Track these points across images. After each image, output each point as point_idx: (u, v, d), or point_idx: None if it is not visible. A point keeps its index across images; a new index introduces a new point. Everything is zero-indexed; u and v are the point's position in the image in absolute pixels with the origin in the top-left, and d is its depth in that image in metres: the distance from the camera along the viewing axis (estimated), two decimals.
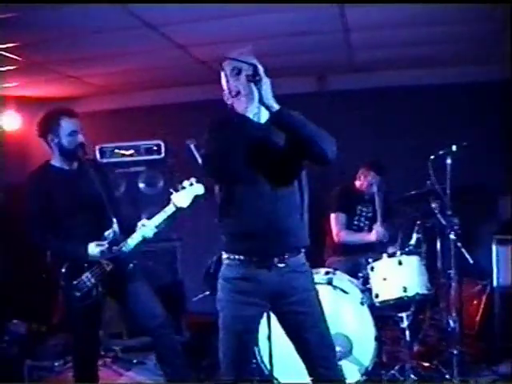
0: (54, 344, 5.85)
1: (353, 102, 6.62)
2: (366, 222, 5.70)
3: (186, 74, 6.26)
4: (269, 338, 4.11)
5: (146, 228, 4.08)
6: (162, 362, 4.38)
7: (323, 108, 6.36)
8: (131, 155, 6.45)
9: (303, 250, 3.20)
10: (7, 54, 4.98)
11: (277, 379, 4.44)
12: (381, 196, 5.39)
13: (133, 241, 4.08)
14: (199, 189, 4.05)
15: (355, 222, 5.73)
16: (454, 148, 4.44)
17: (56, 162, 4.19)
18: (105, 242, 4.02)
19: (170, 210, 4.12)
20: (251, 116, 2.99)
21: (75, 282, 4.01)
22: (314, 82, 6.78)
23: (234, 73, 3.03)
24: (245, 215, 3.04)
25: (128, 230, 4.14)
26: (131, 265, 4.19)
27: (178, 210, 4.09)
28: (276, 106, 2.90)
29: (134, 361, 5.62)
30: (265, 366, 4.51)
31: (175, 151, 6.40)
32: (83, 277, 4.03)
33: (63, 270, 4.02)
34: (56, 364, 5.57)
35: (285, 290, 3.10)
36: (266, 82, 2.88)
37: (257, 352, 4.53)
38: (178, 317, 6.36)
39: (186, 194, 4.05)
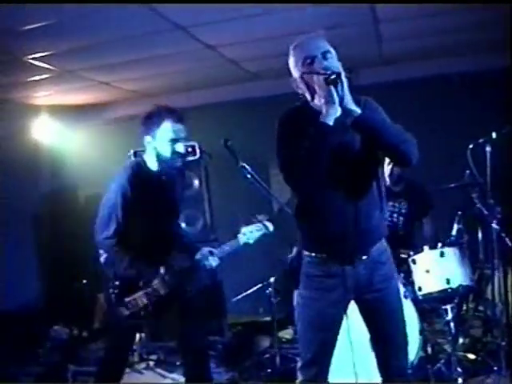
0: (96, 349, 5.89)
1: (384, 95, 6.54)
2: (400, 218, 5.63)
3: (218, 74, 6.26)
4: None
5: (210, 260, 4.09)
6: None
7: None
8: None
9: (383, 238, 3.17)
10: (39, 64, 5.03)
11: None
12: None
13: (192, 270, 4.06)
14: (269, 227, 4.14)
15: (388, 219, 5.67)
16: (493, 135, 4.37)
17: (151, 163, 3.97)
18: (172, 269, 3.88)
19: (236, 244, 4.18)
20: (330, 119, 2.80)
21: (127, 300, 3.80)
22: (345, 76, 6.72)
23: (307, 62, 2.89)
24: (326, 217, 2.99)
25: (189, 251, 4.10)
26: (189, 290, 4.04)
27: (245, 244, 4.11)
28: (358, 111, 2.82)
29: (177, 363, 5.61)
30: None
31: (210, 152, 6.41)
32: (136, 296, 3.80)
33: (117, 283, 3.81)
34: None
35: (369, 282, 3.06)
36: (345, 85, 2.78)
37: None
38: (218, 318, 6.38)
39: (252, 231, 4.12)
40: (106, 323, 4.22)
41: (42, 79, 5.59)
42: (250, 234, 4.11)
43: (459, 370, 4.46)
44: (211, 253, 4.06)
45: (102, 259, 3.90)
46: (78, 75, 5.67)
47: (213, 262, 4.06)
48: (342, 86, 2.77)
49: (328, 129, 2.79)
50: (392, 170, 5.51)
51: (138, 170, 3.91)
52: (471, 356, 4.80)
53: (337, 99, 2.77)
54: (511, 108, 5.65)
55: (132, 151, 6.53)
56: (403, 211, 5.59)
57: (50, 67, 5.20)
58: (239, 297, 5.36)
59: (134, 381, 5.35)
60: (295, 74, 2.99)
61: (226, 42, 5.10)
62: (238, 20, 4.51)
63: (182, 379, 5.13)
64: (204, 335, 4.34)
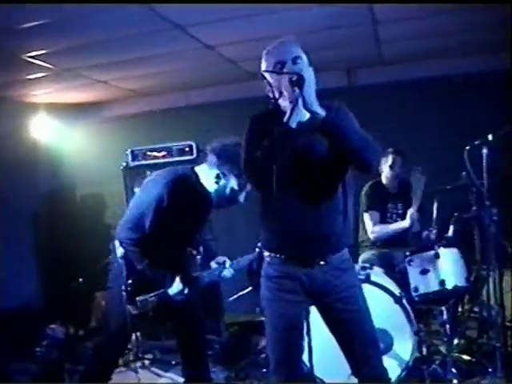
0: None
1: (383, 95, 6.57)
2: (398, 219, 5.66)
3: (216, 73, 6.26)
4: (308, 333, 4.11)
5: (227, 271, 4.20)
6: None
7: (353, 102, 6.32)
8: (163, 157, 6.47)
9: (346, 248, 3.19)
10: (37, 62, 5.03)
11: (317, 376, 4.41)
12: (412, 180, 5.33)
13: (209, 277, 4.14)
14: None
15: (389, 220, 5.69)
16: (490, 137, 4.37)
17: (204, 181, 4.04)
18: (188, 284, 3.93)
19: (252, 258, 4.21)
20: (294, 121, 2.84)
21: (138, 299, 3.85)
22: (344, 77, 6.74)
23: (278, 67, 2.94)
24: (286, 218, 3.01)
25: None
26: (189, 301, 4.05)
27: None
28: (322, 113, 2.83)
29: (173, 362, 5.62)
30: (304, 362, 4.47)
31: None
32: (148, 296, 3.88)
33: (129, 281, 3.83)
34: None
35: (328, 288, 3.08)
36: (311, 86, 2.81)
37: None
38: (215, 317, 6.38)
39: None
40: (106, 320, 4.15)
41: (40, 77, 5.59)
42: None
43: (454, 371, 4.47)
44: (225, 262, 4.17)
45: (118, 253, 3.93)
46: (77, 73, 5.67)
47: (228, 273, 4.15)
48: (306, 89, 2.78)
49: (290, 130, 2.81)
50: (390, 172, 5.54)
51: (184, 183, 3.95)
52: (466, 357, 4.80)
53: (301, 101, 2.79)
54: (508, 110, 5.67)
55: (129, 150, 6.55)
56: (400, 212, 5.62)
57: (49, 65, 5.20)
58: (235, 296, 5.35)
59: (129, 379, 5.35)
60: (267, 77, 3.02)
61: (224, 41, 5.11)
62: (237, 20, 4.52)
63: (178, 378, 5.16)
64: (204, 335, 4.31)
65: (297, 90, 2.78)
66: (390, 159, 5.55)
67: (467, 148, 4.50)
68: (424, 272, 4.62)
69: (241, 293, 5.27)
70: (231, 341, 6.05)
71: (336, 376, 4.34)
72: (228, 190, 3.95)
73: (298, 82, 2.78)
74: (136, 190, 6.42)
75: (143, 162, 6.46)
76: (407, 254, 4.79)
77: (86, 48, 4.83)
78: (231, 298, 5.41)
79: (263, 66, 3.06)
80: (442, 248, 4.66)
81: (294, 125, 2.82)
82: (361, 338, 3.11)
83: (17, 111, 6.36)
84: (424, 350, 4.75)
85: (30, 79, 5.63)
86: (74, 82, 6.00)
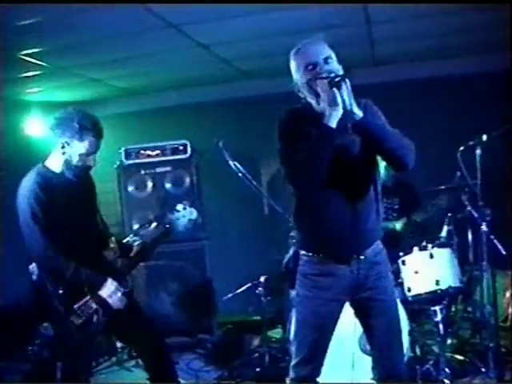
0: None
1: (377, 96, 6.55)
2: (394, 214, 5.67)
3: (210, 72, 6.25)
4: None
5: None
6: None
7: None
8: (157, 156, 6.46)
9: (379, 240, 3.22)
10: (31, 60, 5.01)
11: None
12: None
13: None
14: (192, 213, 4.03)
15: (384, 215, 5.70)
16: (484, 138, 4.38)
17: (55, 167, 3.77)
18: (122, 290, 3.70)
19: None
20: (333, 122, 2.83)
21: (76, 306, 3.59)
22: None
23: (309, 68, 2.95)
24: (324, 217, 3.04)
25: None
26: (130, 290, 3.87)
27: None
28: (360, 114, 2.86)
29: None
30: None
31: (201, 150, 6.41)
32: (84, 300, 3.61)
33: (60, 292, 3.60)
34: None
35: (363, 281, 3.10)
36: (349, 88, 2.82)
37: (289, 349, 4.50)
38: (208, 316, 6.38)
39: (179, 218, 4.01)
40: (58, 340, 3.90)
41: (34, 75, 5.57)
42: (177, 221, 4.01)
43: (447, 370, 4.48)
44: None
45: (35, 275, 3.79)
46: (70, 72, 5.65)
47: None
48: (346, 89, 2.80)
49: (331, 131, 2.82)
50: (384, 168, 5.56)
51: (43, 183, 3.71)
52: (459, 357, 4.83)
53: (340, 102, 2.80)
54: (502, 111, 5.68)
55: (123, 148, 6.53)
56: (396, 207, 5.63)
57: (42, 63, 5.18)
58: (229, 295, 5.35)
59: (122, 378, 5.35)
60: (297, 78, 3.03)
61: (218, 40, 5.09)
62: (231, 19, 4.51)
63: None
64: (158, 333, 4.07)
65: (336, 91, 2.79)
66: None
67: (461, 149, 4.51)
68: (418, 272, 4.63)
69: (235, 292, 5.28)
70: (224, 340, 6.05)
71: (331, 377, 4.35)
72: (76, 157, 3.66)
73: (339, 83, 2.80)
74: (130, 188, 6.43)
75: (137, 161, 6.46)
76: (401, 254, 4.80)
77: (80, 46, 4.82)
78: (225, 297, 5.42)
79: (292, 67, 3.06)
80: (435, 248, 4.67)
81: (334, 126, 2.82)
82: (385, 327, 3.14)
83: (10, 109, 6.33)
84: (417, 350, 4.77)
85: (23, 77, 5.61)
86: (68, 80, 5.98)
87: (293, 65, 3.06)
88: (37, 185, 3.67)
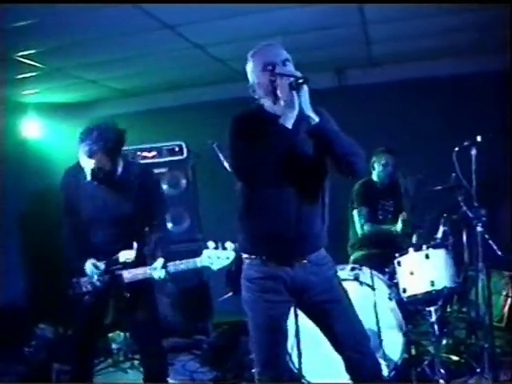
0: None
1: (372, 96, 6.58)
2: (389, 216, 5.69)
3: (205, 73, 6.26)
4: (296, 335, 4.11)
5: (156, 272, 3.99)
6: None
7: (343, 103, 6.34)
8: (153, 157, 6.47)
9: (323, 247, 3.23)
10: (27, 61, 5.01)
11: (305, 377, 4.42)
12: (404, 181, 5.36)
13: (137, 275, 4.02)
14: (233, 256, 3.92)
15: (380, 217, 5.71)
16: (478, 139, 4.38)
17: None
18: (101, 263, 3.98)
19: (193, 264, 4.01)
20: (290, 123, 2.86)
21: (73, 280, 4.04)
22: (333, 77, 6.75)
23: (268, 68, 2.98)
24: (269, 218, 3.04)
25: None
26: (128, 294, 4.03)
27: (203, 267, 4.00)
28: (316, 118, 2.89)
29: None
30: (293, 363, 4.48)
31: (197, 151, 6.41)
32: (80, 280, 4.04)
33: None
34: None
35: (308, 284, 3.10)
36: (306, 91, 2.85)
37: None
38: (204, 317, 6.38)
39: (220, 257, 3.93)
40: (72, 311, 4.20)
41: (30, 77, 5.57)
42: (216, 259, 3.94)
43: (442, 371, 4.48)
44: (164, 265, 3.98)
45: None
46: (66, 73, 5.65)
47: (160, 274, 3.98)
48: (304, 92, 2.84)
49: (287, 131, 2.85)
50: (383, 170, 5.57)
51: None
52: (454, 357, 4.83)
53: (297, 104, 2.84)
54: (497, 111, 5.69)
55: None
56: (391, 209, 5.66)
57: (38, 65, 5.18)
58: (225, 296, 5.34)
59: (118, 380, 5.34)
60: (254, 79, 3.07)
61: (213, 41, 5.10)
62: (226, 19, 4.51)
63: (168, 379, 5.15)
64: (157, 338, 4.24)
65: (295, 93, 2.82)
66: (383, 158, 5.60)
67: (456, 149, 4.51)
68: (413, 273, 4.64)
69: (231, 293, 5.26)
70: (220, 341, 6.04)
71: (324, 378, 4.36)
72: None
73: (300, 85, 2.82)
74: None
75: None
76: (396, 255, 4.80)
77: (76, 47, 4.82)
78: (221, 298, 5.41)
79: (249, 67, 3.10)
80: (431, 249, 4.68)
81: (290, 127, 2.85)
82: (346, 327, 3.13)
83: (6, 111, 6.32)
84: (412, 351, 4.76)
85: (19, 78, 5.61)
86: (64, 81, 5.98)
87: (250, 65, 3.11)
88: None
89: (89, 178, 3.95)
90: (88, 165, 3.90)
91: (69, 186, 4.11)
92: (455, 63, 6.37)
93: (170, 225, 6.50)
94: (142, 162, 6.48)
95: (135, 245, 4.00)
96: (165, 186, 6.52)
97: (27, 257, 6.89)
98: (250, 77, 3.10)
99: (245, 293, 3.18)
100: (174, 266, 3.99)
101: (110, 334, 5.75)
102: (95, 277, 3.97)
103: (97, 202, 4.01)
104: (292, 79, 2.83)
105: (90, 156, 3.86)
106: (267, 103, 3.03)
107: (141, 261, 4.05)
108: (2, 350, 5.51)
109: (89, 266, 3.98)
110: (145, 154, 6.51)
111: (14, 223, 6.75)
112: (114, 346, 5.70)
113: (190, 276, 6.41)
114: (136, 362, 5.66)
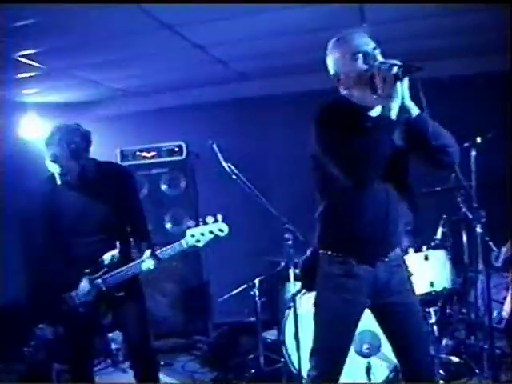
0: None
1: None
2: None
3: (206, 73, 6.25)
4: (296, 336, 4.12)
5: (145, 263, 3.89)
6: None
7: None
8: (153, 157, 6.47)
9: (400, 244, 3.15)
10: (27, 61, 5.01)
11: (305, 378, 4.42)
12: None
13: (127, 272, 3.92)
14: (223, 228, 3.81)
15: None
16: (478, 140, 4.39)
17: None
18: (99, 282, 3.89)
19: (179, 247, 3.88)
20: (393, 114, 2.73)
21: (64, 296, 3.91)
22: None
23: (357, 57, 2.83)
24: (360, 216, 2.92)
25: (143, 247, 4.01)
26: (121, 293, 3.94)
27: (190, 248, 3.88)
28: (416, 110, 2.80)
29: (162, 362, 5.62)
30: (292, 364, 4.49)
31: (196, 152, 6.42)
32: (72, 293, 3.90)
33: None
34: None
35: (389, 284, 3.02)
36: (407, 83, 2.74)
37: (284, 351, 4.52)
38: (204, 317, 6.39)
39: (204, 232, 3.83)
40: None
41: (30, 76, 5.56)
42: (200, 236, 3.81)
43: (442, 372, 4.49)
44: (153, 254, 3.88)
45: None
46: (66, 73, 5.65)
47: (149, 265, 3.88)
48: (406, 82, 2.74)
49: (392, 124, 2.73)
50: None
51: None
52: (454, 359, 4.83)
53: (400, 96, 2.72)
54: (497, 113, 5.69)
55: (119, 150, 6.54)
56: None
57: (38, 65, 5.18)
58: (225, 297, 5.35)
59: (118, 380, 5.35)
60: (339, 68, 2.90)
61: (214, 41, 5.09)
62: (227, 19, 4.50)
63: (166, 379, 5.16)
64: (147, 341, 4.14)
65: (399, 83, 2.69)
66: None
67: None
68: (413, 274, 4.63)
69: (230, 293, 5.27)
70: (219, 341, 6.04)
71: None
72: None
73: (403, 74, 2.69)
74: None
75: (133, 162, 6.47)
76: None
77: (76, 47, 4.81)
78: (221, 299, 5.42)
79: (335, 56, 2.92)
80: (430, 250, 4.69)
81: (394, 118, 2.73)
82: (414, 331, 3.05)
83: (6, 110, 6.32)
84: None
85: (19, 78, 5.61)
86: (64, 81, 5.98)
87: (335, 55, 2.92)
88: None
89: (59, 182, 3.88)
90: (55, 170, 3.83)
91: (42, 196, 4.02)
92: (454, 64, 6.36)
93: (169, 225, 6.51)
94: (142, 162, 6.51)
95: (118, 245, 3.93)
96: (164, 187, 6.53)
97: (27, 256, 6.88)
98: (335, 66, 2.93)
99: (322, 290, 3.08)
100: (161, 254, 3.88)
101: (110, 334, 5.75)
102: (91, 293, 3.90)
103: (72, 210, 3.92)
104: (396, 68, 2.68)
105: (55, 161, 3.79)
106: (356, 94, 2.87)
107: (127, 259, 3.98)
108: (2, 350, 5.51)
109: (85, 284, 3.89)
110: (144, 154, 6.52)
111: (14, 223, 6.75)
112: (113, 346, 5.70)
113: (190, 275, 6.43)
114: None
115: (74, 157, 3.80)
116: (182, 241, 3.83)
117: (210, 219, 3.80)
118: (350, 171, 2.75)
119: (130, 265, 3.91)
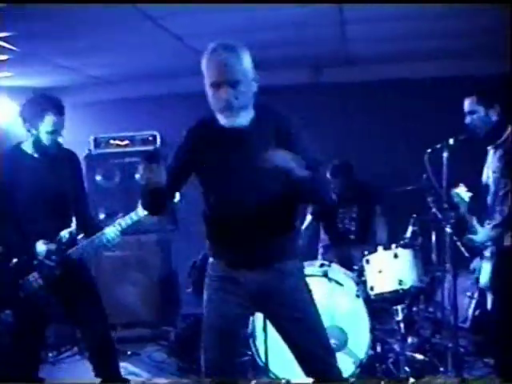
0: (48, 335, 5.83)
1: (348, 95, 6.62)
2: (352, 223, 5.76)
3: (183, 64, 6.22)
4: (264, 329, 4.14)
5: (105, 235, 3.95)
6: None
7: (318, 99, 6.38)
8: (126, 146, 6.44)
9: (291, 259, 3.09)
10: (2, 44, 4.95)
11: (272, 372, 4.44)
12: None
13: (87, 246, 3.97)
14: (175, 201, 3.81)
15: (340, 224, 5.80)
16: (450, 141, 4.43)
17: (28, 148, 4.01)
18: (53, 244, 3.89)
19: (136, 215, 3.98)
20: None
21: (21, 282, 3.84)
22: (310, 74, 6.77)
23: (213, 86, 2.86)
24: (230, 224, 2.95)
25: (90, 232, 4.04)
26: (83, 274, 4.03)
27: (144, 217, 3.93)
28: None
29: (129, 352, 5.61)
30: (260, 357, 4.50)
31: (171, 142, 6.38)
32: (30, 276, 3.86)
33: (10, 265, 3.84)
34: (50, 355, 5.56)
35: (270, 293, 3.00)
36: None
37: (252, 344, 4.53)
38: (171, 308, 6.38)
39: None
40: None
41: (4, 60, 5.49)
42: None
43: (407, 369, 4.55)
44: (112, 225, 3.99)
45: None
46: (41, 57, 5.59)
47: (110, 233, 3.95)
48: None
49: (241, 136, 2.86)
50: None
51: (15, 154, 4.03)
52: (419, 356, 4.89)
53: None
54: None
55: (92, 137, 6.50)
56: (354, 215, 5.72)
57: (13, 48, 5.11)
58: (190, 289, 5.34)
59: (84, 368, 5.31)
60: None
61: (192, 32, 5.08)
62: (205, 12, 4.50)
63: (132, 368, 5.16)
64: (105, 327, 4.16)
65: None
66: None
67: (428, 151, 4.56)
68: (381, 271, 4.69)
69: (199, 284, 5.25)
70: (187, 332, 6.03)
71: (291, 373, 4.39)
72: (44, 136, 3.92)
73: None
74: (98, 178, 6.39)
75: (106, 150, 6.43)
76: (365, 253, 4.85)
77: (53, 33, 4.76)
78: (189, 289, 5.40)
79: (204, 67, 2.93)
80: (399, 248, 4.74)
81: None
82: (311, 345, 3.01)
83: None
84: (378, 348, 4.83)
85: None
86: (38, 66, 5.91)
87: (205, 61, 2.93)
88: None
89: (30, 152, 3.97)
90: (47, 133, 3.91)
91: (7, 167, 3.98)
92: (432, 66, 6.42)
93: (102, 216, 6.45)
94: (116, 150, 6.47)
95: (74, 221, 4.01)
96: (137, 176, 6.49)
97: None
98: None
99: (205, 290, 3.11)
100: (119, 225, 3.99)
101: None
102: (46, 261, 3.86)
103: (33, 182, 3.93)
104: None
105: (56, 129, 3.93)
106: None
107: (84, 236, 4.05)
108: None
109: (41, 246, 3.86)
110: (117, 142, 6.48)
111: None
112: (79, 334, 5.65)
113: (159, 265, 6.41)
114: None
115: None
116: (138, 209, 3.93)
117: None
118: (209, 185, 3.00)
119: (94, 237, 3.96)
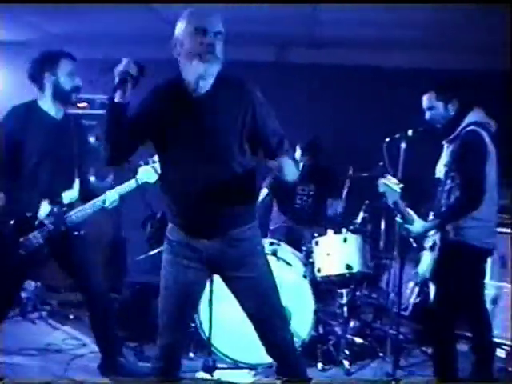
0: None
1: (314, 77, 6.64)
2: (309, 200, 5.80)
3: (150, 31, 6.14)
4: (210, 302, 4.15)
5: (103, 201, 4.04)
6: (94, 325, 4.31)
7: (282, 78, 6.38)
8: (84, 108, 6.32)
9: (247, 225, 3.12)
10: None
11: (214, 346, 4.46)
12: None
13: (86, 210, 4.03)
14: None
15: (298, 201, 5.83)
16: (409, 133, 4.48)
17: (44, 104, 3.98)
18: (57, 205, 3.92)
19: (133, 184, 4.07)
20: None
21: (22, 240, 3.86)
22: (275, 52, 6.76)
23: (197, 32, 2.82)
24: (190, 195, 2.95)
25: (89, 196, 4.09)
26: (82, 232, 4.06)
27: (143, 184, 4.05)
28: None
29: (71, 316, 5.57)
30: (203, 331, 4.52)
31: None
32: (31, 235, 3.88)
33: (11, 222, 3.85)
34: None
35: (226, 258, 3.05)
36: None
37: (196, 317, 4.53)
38: (118, 274, 6.34)
39: (154, 170, 4.01)
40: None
41: None
42: (148, 172, 4.08)
43: (347, 352, 4.63)
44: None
45: None
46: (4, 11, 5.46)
47: (111, 197, 4.05)
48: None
49: (201, 104, 2.89)
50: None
51: (30, 110, 3.97)
52: (359, 340, 4.98)
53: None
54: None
55: None
56: (311, 193, 5.75)
57: None
58: (142, 256, 5.31)
59: (25, 330, 5.26)
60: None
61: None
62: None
63: (75, 332, 5.12)
64: (105, 287, 4.27)
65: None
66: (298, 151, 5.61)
67: (387, 140, 4.61)
68: (329, 254, 4.74)
69: (149, 253, 5.23)
70: (131, 300, 6.00)
71: (234, 348, 4.43)
72: (63, 79, 3.95)
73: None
74: None
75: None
76: (315, 234, 4.90)
77: None
78: (139, 257, 5.37)
79: (182, 26, 2.91)
80: (349, 233, 4.79)
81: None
82: (265, 308, 3.09)
83: None
84: (320, 330, 4.89)
85: None
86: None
87: (180, 27, 2.92)
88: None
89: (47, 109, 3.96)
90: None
91: (15, 124, 3.92)
92: (400, 56, 6.47)
93: (92, 179, 6.39)
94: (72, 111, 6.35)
95: (77, 182, 4.05)
96: (92, 139, 6.39)
97: None
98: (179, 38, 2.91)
99: (163, 253, 3.15)
100: (117, 191, 4.08)
101: None
102: (47, 222, 3.91)
103: (40, 141, 3.92)
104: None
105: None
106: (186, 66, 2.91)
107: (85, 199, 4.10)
108: None
109: (45, 206, 3.90)
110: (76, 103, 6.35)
111: None
112: (23, 295, 5.57)
113: (109, 231, 6.36)
114: (44, 313, 5.60)
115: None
116: (137, 176, 4.07)
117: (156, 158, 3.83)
118: (165, 147, 3.01)
119: (93, 201, 4.04)
